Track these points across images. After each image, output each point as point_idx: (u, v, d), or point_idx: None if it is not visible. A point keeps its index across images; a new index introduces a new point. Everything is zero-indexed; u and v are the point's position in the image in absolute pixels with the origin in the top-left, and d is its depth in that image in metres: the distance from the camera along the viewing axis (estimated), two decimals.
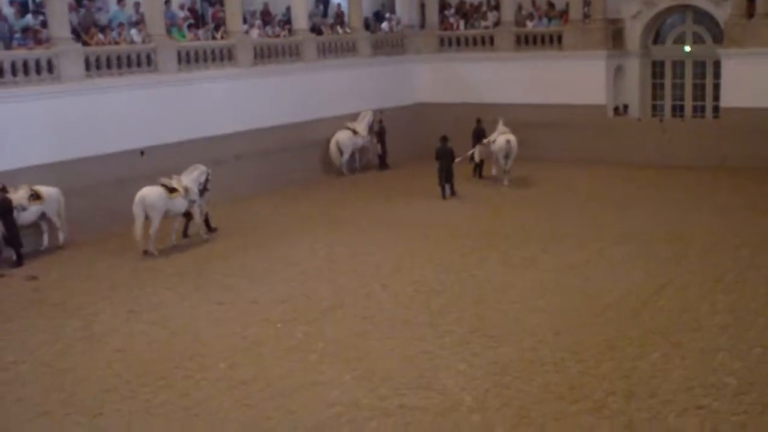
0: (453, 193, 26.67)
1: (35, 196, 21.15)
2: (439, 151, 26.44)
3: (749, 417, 11.86)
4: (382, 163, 31.83)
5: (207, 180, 22.49)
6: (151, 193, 21.23)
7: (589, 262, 19.25)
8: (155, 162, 24.36)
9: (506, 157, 27.53)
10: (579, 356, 14.02)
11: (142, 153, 24.38)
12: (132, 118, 24.21)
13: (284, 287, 18.17)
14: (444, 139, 26.63)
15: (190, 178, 22.15)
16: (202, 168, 22.60)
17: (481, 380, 13.27)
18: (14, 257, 20.50)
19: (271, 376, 13.67)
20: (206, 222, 22.96)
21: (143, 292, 18.09)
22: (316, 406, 12.60)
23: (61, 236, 21.89)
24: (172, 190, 21.56)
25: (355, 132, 30.89)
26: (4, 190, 20.52)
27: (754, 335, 14.66)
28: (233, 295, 17.73)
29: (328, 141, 30.54)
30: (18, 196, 20.80)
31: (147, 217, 21.11)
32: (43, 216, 21.51)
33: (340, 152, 30.63)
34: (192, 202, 22.02)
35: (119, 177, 23.54)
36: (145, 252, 21.05)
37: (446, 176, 26.39)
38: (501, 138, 27.56)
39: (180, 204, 21.73)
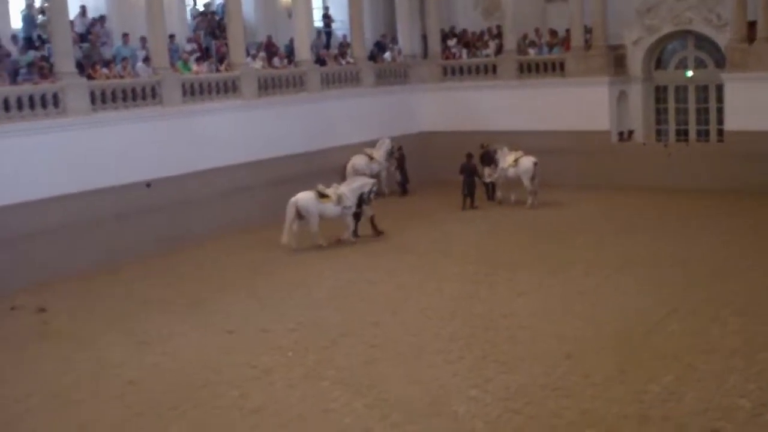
0: (473, 206, 28.67)
1: None
2: (463, 167, 28.64)
3: None
4: (403, 190, 32.05)
5: (371, 191, 24.66)
6: (303, 197, 23.95)
7: (598, 288, 19.23)
8: (161, 194, 24.46)
9: (532, 178, 27.92)
10: (590, 380, 13.98)
11: (148, 185, 24.43)
12: (138, 150, 24.28)
13: (294, 315, 18.17)
14: (469, 156, 28.82)
15: (349, 188, 24.50)
16: (367, 180, 25.20)
17: (493, 406, 13.22)
18: None
19: (282, 404, 13.65)
20: (373, 225, 25.14)
21: (153, 323, 18.07)
22: None
23: None
24: (323, 195, 23.89)
25: (371, 158, 31.14)
26: None
27: (766, 357, 14.59)
28: (243, 324, 17.72)
29: (343, 167, 30.81)
30: None
31: (300, 218, 23.82)
32: None
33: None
34: (347, 208, 24.24)
35: (125, 210, 23.62)
36: (287, 246, 23.67)
37: (468, 190, 28.49)
38: (527, 160, 28.03)
39: (331, 209, 24.18)
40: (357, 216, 24.76)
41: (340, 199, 24.16)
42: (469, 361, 15.16)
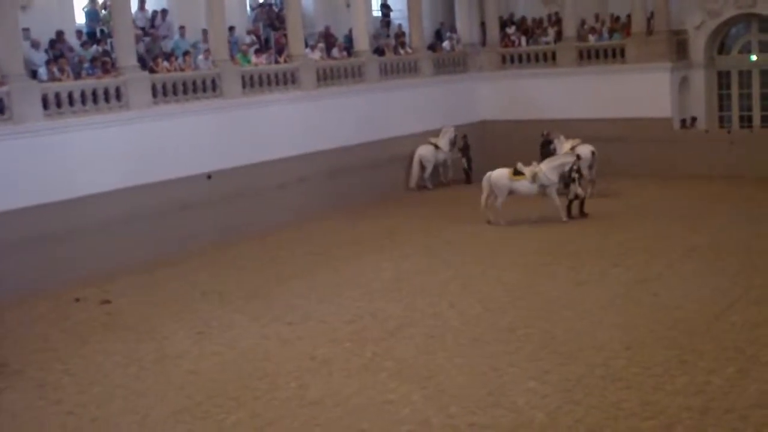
0: None
1: None
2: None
3: None
4: (468, 178, 32.16)
5: (572, 169, 24.65)
6: (496, 173, 24.98)
7: (659, 277, 19.03)
8: (221, 186, 24.70)
9: (590, 167, 27.74)
10: (651, 371, 13.84)
11: (208, 177, 24.68)
12: (198, 142, 24.55)
13: (352, 306, 18.23)
14: (543, 134, 29.55)
15: (549, 165, 24.83)
16: (567, 158, 25.14)
17: (552, 397, 13.16)
18: None
19: (341, 396, 13.71)
20: (581, 206, 25.24)
21: (213, 314, 18.26)
22: (386, 425, 12.60)
23: None
24: (518, 173, 24.54)
25: (436, 147, 31.33)
26: None
27: None
28: (301, 316, 17.82)
29: (407, 157, 31.15)
30: None
31: (493, 194, 24.93)
32: None
33: (423, 167, 31.05)
34: (543, 186, 24.66)
35: (187, 201, 23.88)
36: (488, 221, 24.85)
37: None
38: (584, 148, 27.69)
39: (526, 187, 24.77)
40: (576, 195, 25.01)
41: (534, 177, 24.52)
42: (528, 351, 15.09)
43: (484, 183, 25.00)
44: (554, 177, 24.68)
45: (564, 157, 25.23)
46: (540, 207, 25.38)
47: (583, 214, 25.21)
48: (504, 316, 16.99)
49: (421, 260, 21.77)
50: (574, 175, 24.73)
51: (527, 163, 25.44)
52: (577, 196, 25.05)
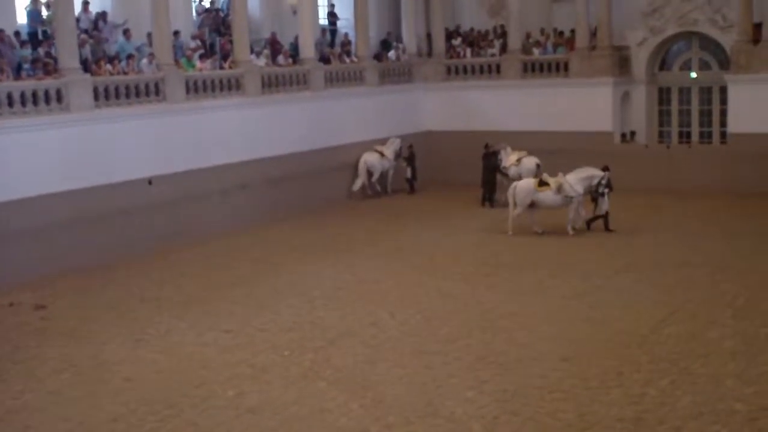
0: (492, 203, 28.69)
1: None
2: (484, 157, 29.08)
3: None
4: (411, 188, 32.28)
5: (599, 184, 24.07)
6: (521, 183, 24.84)
7: (597, 289, 19.22)
8: (163, 191, 24.47)
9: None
10: (587, 383, 13.98)
11: (149, 182, 24.43)
12: (140, 147, 24.28)
13: (291, 315, 18.15)
14: (486, 146, 29.33)
15: (575, 177, 24.23)
16: (596, 172, 24.31)
17: (490, 408, 13.22)
18: None
19: (278, 404, 13.64)
20: (605, 221, 24.55)
21: (151, 321, 18.05)
22: None
23: None
24: (543, 183, 24.14)
25: (382, 155, 31.44)
26: None
27: (765, 360, 14.60)
28: (240, 323, 17.69)
29: (352, 166, 31.22)
30: None
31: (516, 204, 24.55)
32: None
33: (369, 174, 31.11)
34: (568, 198, 24.11)
35: (127, 206, 23.61)
36: (509, 232, 24.58)
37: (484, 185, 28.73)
38: (530, 161, 27.92)
39: (550, 198, 24.27)
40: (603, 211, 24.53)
41: (560, 188, 24.13)
42: (466, 362, 15.15)
43: (509, 192, 24.78)
44: (580, 188, 24.23)
45: (592, 170, 24.55)
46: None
47: (608, 228, 24.62)
48: (443, 327, 17.03)
49: (362, 269, 21.75)
50: (603, 189, 24.26)
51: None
52: (605, 213, 24.50)
